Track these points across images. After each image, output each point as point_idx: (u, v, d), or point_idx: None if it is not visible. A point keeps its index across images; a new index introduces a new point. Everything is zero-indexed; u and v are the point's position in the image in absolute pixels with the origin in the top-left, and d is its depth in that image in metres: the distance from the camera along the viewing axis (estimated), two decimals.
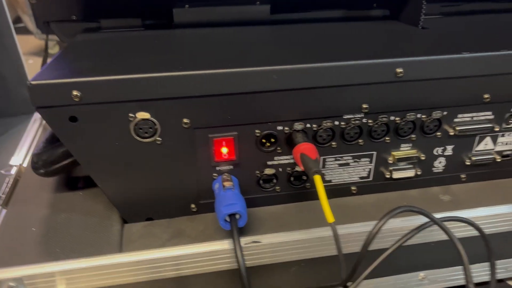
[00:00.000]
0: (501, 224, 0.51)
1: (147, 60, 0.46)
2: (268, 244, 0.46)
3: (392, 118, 0.49)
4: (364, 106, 0.48)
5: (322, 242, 0.47)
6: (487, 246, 0.42)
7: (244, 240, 0.46)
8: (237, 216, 0.45)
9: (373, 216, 0.44)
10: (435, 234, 0.49)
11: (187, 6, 0.64)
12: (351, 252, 0.45)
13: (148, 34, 0.61)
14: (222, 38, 0.58)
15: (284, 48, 0.53)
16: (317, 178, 0.42)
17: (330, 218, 0.41)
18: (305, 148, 0.45)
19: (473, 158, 0.54)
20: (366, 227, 0.46)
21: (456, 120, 0.51)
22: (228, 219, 0.45)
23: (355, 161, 0.52)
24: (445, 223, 0.42)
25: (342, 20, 0.71)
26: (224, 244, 0.45)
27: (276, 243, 0.46)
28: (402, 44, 0.53)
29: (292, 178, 0.51)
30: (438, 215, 0.48)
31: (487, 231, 0.51)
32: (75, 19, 0.64)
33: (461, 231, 0.49)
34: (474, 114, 0.51)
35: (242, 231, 0.48)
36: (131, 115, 0.43)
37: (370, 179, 0.54)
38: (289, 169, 0.51)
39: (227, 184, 0.47)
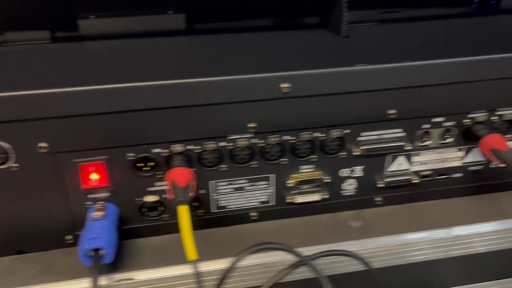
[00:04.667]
0: (415, 253, 0.46)
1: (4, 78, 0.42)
2: (143, 281, 0.42)
3: (284, 138, 0.44)
4: (251, 125, 0.43)
5: (212, 276, 0.42)
6: (374, 282, 0.37)
7: (115, 277, 0.41)
8: (102, 252, 0.40)
9: None
10: (341, 266, 0.44)
11: (92, 17, 0.60)
12: None
13: (46, 48, 0.56)
14: (117, 51, 0.53)
15: (168, 62, 0.48)
16: (181, 210, 0.38)
17: (191, 254, 0.36)
18: (175, 174, 0.40)
19: (386, 180, 0.49)
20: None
21: (359, 138, 0.46)
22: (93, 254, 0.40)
23: (251, 185, 0.47)
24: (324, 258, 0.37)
25: (271, 29, 0.67)
26: (83, 283, 0.40)
27: (153, 279, 0.42)
28: (301, 56, 0.48)
29: None
30: (340, 245, 0.44)
31: (398, 261, 0.46)
32: None
33: None
34: (380, 132, 0.46)
35: (116, 266, 0.43)
36: None
37: (273, 203, 0.49)
38: None
39: (96, 214, 0.42)
